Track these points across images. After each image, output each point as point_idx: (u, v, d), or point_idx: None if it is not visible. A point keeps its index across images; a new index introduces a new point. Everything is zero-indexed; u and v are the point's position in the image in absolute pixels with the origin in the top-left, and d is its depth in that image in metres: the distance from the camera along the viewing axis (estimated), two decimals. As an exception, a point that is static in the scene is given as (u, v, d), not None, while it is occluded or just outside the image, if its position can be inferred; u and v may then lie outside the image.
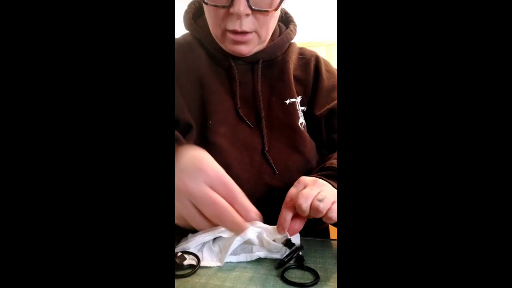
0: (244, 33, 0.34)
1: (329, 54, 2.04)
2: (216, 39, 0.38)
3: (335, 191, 0.33)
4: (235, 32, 0.34)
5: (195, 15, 0.41)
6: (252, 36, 0.35)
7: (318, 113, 0.39)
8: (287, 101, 0.39)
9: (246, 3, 0.32)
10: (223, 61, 0.41)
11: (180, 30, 0.42)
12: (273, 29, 0.39)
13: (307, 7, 2.16)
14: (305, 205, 0.30)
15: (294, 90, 0.40)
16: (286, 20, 0.47)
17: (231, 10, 0.32)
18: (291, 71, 0.41)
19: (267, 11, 0.33)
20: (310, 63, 0.44)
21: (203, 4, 0.36)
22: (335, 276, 0.36)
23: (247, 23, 0.33)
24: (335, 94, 0.40)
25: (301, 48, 0.47)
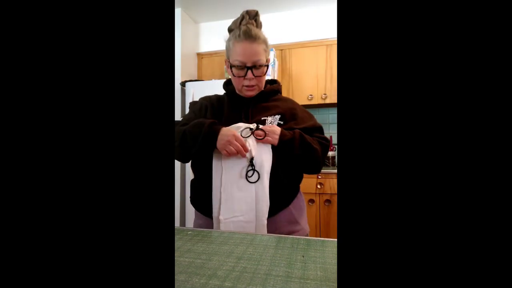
0: (252, 86, 0.75)
1: (329, 54, 2.04)
2: (237, 91, 0.79)
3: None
4: (248, 86, 0.75)
5: (227, 83, 0.84)
6: (256, 87, 0.76)
7: (298, 127, 0.75)
8: (264, 118, 0.77)
9: (252, 74, 0.72)
10: (238, 101, 0.80)
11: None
12: (264, 82, 0.80)
13: (307, 6, 2.17)
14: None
15: (269, 112, 0.78)
16: (272, 83, 0.87)
17: (246, 77, 0.73)
18: (271, 104, 0.80)
19: (260, 76, 0.74)
20: (288, 101, 0.84)
21: (231, 76, 0.78)
22: (335, 276, 0.36)
23: (253, 82, 0.74)
24: (304, 121, 0.79)
25: (281, 95, 0.88)
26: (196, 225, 0.77)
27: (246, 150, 0.66)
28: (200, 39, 2.42)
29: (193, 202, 0.77)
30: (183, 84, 2.10)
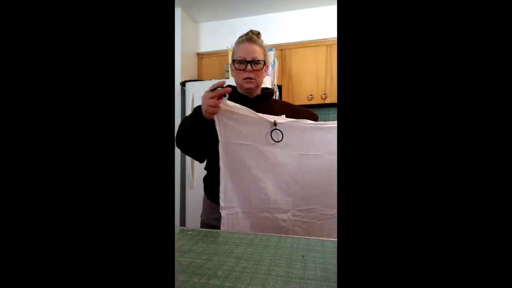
0: (250, 78, 0.89)
1: (329, 54, 2.04)
2: (238, 86, 0.93)
3: None
4: (247, 78, 0.89)
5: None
6: (253, 80, 0.89)
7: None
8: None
9: (251, 67, 0.87)
10: (241, 100, 0.87)
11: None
12: (262, 80, 0.94)
13: (307, 6, 2.17)
14: None
15: (275, 112, 0.88)
16: (272, 88, 1.06)
17: (246, 70, 0.88)
18: (273, 105, 0.95)
19: (259, 70, 0.89)
20: (285, 103, 1.02)
21: (233, 71, 0.92)
22: (335, 275, 0.36)
23: (252, 75, 0.88)
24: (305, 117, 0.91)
25: (276, 99, 1.07)
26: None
27: (222, 93, 0.75)
28: (200, 39, 2.41)
29: (208, 195, 0.92)
30: (183, 84, 2.09)
